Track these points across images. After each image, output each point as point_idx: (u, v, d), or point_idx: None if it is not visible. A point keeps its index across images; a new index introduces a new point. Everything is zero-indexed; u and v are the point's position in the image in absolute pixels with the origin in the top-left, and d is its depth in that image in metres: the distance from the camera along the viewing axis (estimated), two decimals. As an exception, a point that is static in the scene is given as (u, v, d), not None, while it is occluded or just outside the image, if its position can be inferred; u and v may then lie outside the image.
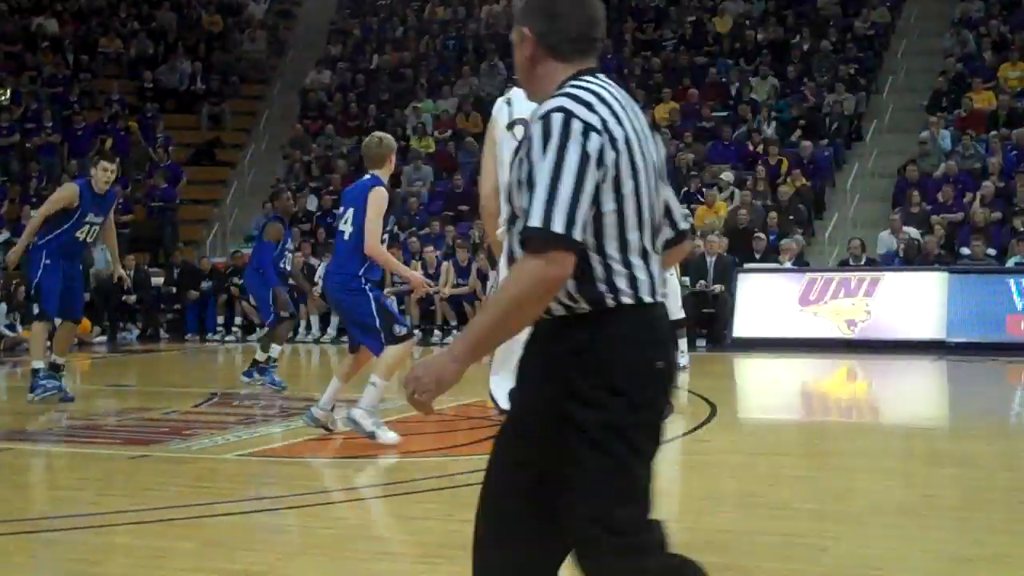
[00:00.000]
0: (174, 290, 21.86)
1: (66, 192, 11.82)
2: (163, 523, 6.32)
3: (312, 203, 24.14)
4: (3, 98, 26.30)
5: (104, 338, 21.18)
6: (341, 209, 9.23)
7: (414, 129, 26.10)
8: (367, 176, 9.11)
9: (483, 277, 15.71)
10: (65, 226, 11.57)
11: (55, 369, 11.82)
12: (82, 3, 30.36)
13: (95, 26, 29.95)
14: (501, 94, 7.14)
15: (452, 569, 5.46)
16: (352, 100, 27.86)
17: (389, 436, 8.72)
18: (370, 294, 8.95)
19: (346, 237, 9.00)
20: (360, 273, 8.95)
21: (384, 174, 9.10)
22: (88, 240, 12.02)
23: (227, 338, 21.16)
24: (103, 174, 11.69)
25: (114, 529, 5.86)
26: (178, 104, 28.49)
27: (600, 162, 3.17)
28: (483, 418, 10.84)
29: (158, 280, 22.18)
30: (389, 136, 9.53)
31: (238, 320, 21.27)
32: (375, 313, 8.87)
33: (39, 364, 11.65)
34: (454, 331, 19.91)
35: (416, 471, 8.14)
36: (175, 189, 24.97)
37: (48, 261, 11.59)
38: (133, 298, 21.65)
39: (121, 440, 9.70)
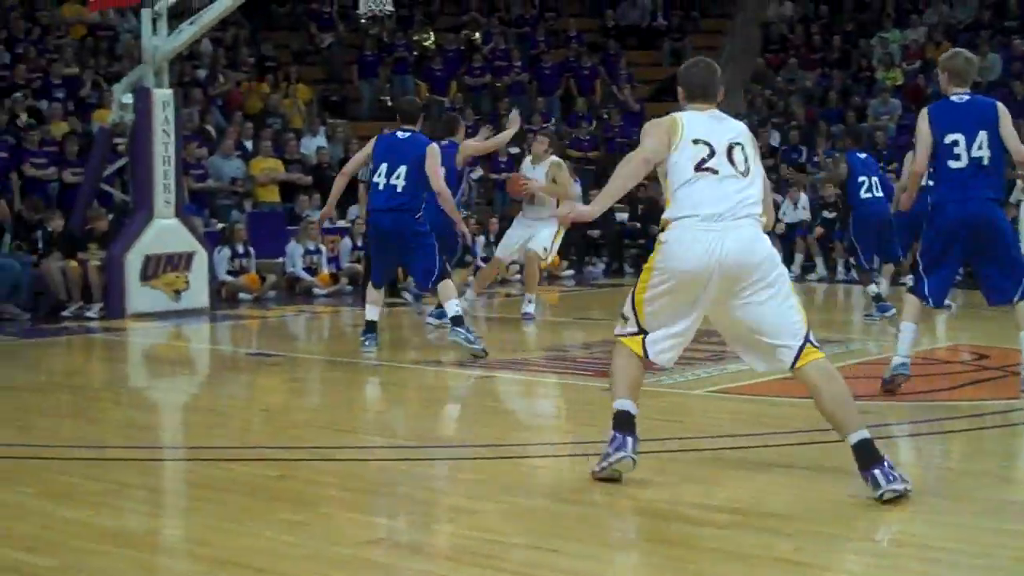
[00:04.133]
0: (638, 225, 22.23)
1: None
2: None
3: (775, 138, 23.83)
4: (476, 39, 27.41)
5: (571, 272, 21.82)
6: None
7: (880, 60, 25.31)
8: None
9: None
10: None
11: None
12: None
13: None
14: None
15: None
16: (815, 31, 27.30)
17: None
18: None
19: (984, 162, 8.17)
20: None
21: None
22: None
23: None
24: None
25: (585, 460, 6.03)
26: (639, 41, 28.82)
27: None
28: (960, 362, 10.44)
29: (622, 215, 22.63)
30: None
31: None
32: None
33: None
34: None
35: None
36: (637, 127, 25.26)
37: None
38: (597, 233, 22.21)
39: (592, 372, 9.96)
